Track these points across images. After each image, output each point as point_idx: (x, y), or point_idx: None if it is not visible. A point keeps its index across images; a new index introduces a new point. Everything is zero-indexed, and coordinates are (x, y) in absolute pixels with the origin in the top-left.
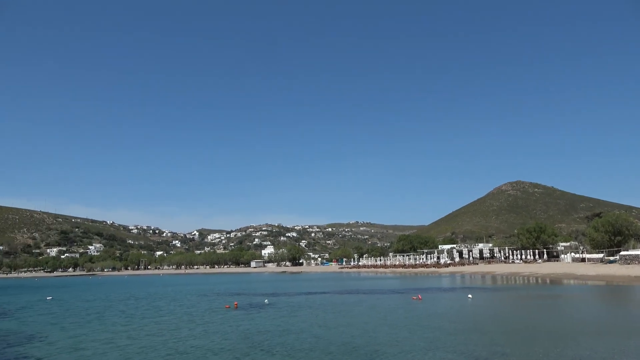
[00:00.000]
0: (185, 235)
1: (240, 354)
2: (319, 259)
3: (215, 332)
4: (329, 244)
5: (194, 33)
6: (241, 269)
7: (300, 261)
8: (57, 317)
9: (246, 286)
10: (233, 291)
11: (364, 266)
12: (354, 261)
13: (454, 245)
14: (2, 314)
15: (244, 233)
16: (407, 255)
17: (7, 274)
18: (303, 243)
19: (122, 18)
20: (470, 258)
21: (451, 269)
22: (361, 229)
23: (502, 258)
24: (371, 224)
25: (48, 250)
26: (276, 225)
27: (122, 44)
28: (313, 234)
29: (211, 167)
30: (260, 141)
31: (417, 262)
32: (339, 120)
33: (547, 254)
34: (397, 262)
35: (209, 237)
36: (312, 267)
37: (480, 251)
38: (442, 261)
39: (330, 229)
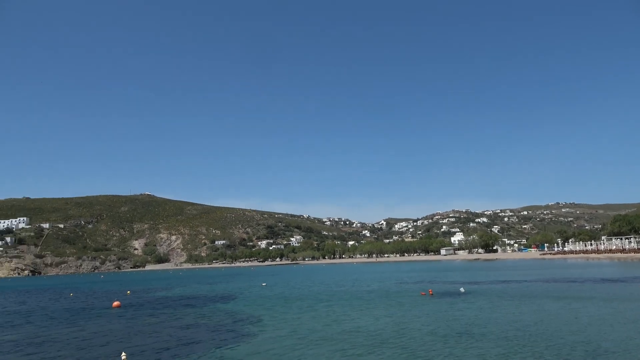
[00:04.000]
0: (373, 225)
1: (433, 340)
2: (515, 245)
3: (409, 316)
4: (525, 228)
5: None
6: (431, 257)
7: (494, 248)
8: (269, 300)
9: (438, 274)
10: (426, 279)
11: (570, 252)
12: (557, 246)
13: None
14: (229, 297)
15: (430, 221)
16: (627, 238)
17: (230, 263)
18: (495, 228)
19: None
20: None
21: None
22: (563, 210)
23: None
24: (575, 205)
25: (259, 243)
26: (464, 211)
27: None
28: (506, 219)
29: (395, 157)
30: (442, 129)
31: None
32: (531, 101)
33: None
34: (614, 247)
35: (395, 226)
36: (507, 253)
37: None
38: None
39: (525, 212)
